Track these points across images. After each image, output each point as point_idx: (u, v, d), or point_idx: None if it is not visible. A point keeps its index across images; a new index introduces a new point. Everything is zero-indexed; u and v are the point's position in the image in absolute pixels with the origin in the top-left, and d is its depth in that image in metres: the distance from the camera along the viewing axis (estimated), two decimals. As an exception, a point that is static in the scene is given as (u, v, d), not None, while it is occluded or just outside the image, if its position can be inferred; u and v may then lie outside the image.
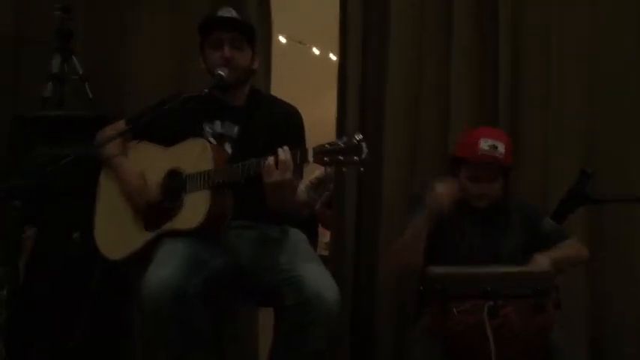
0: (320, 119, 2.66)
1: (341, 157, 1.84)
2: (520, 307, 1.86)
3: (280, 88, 2.86)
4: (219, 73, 2.18)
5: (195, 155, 2.15)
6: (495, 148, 2.21)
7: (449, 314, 1.87)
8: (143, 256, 2.15)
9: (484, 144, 2.21)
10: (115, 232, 2.28)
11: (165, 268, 1.96)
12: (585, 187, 1.84)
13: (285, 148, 1.93)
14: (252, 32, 2.27)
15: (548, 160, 2.68)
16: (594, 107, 2.69)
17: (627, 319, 2.60)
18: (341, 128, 2.88)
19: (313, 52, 4.66)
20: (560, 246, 2.18)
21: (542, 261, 2.07)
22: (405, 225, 2.28)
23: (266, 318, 2.80)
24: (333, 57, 4.33)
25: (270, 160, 1.92)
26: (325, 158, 1.86)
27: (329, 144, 1.87)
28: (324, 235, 3.46)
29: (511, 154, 2.28)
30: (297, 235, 2.24)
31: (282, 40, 4.23)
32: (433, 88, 2.82)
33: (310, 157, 1.89)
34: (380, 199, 2.80)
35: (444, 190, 2.16)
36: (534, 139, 2.71)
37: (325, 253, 3.10)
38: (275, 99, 2.38)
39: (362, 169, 1.85)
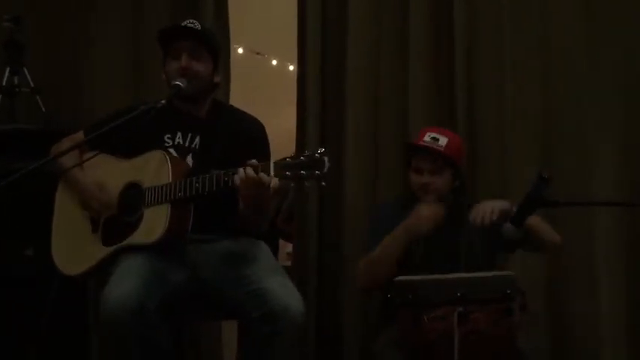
0: (279, 130, 2.65)
1: (303, 172, 1.82)
2: (489, 311, 1.87)
3: (238, 99, 2.85)
4: (176, 83, 2.14)
5: (154, 168, 2.11)
6: (437, 140, 2.29)
7: (419, 323, 1.87)
8: (101, 271, 2.11)
9: (427, 136, 2.31)
10: (73, 247, 2.23)
11: (124, 283, 1.93)
12: (542, 191, 1.88)
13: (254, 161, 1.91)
14: (212, 43, 2.25)
15: (505, 161, 2.72)
16: (550, 106, 2.74)
17: (588, 321, 2.64)
18: (301, 139, 2.88)
19: (271, 63, 4.66)
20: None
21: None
22: (366, 236, 2.28)
23: (229, 331, 2.78)
24: (291, 67, 4.34)
25: (250, 171, 1.89)
26: (287, 172, 1.85)
27: (290, 158, 1.86)
28: (286, 246, 3.44)
29: (458, 150, 2.33)
30: (259, 247, 2.23)
31: (240, 50, 4.22)
32: (393, 95, 2.84)
33: (271, 172, 1.87)
34: (342, 209, 2.80)
35: (428, 214, 2.17)
36: (491, 140, 2.75)
37: (287, 263, 3.09)
38: (237, 110, 2.35)
39: (324, 183, 1.84)
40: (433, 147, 2.27)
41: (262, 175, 1.87)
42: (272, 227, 3.38)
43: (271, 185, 1.88)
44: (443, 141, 2.28)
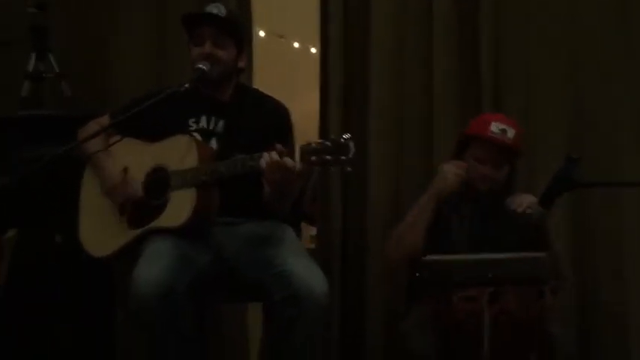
0: (301, 113, 2.65)
1: (328, 157, 1.82)
2: (520, 293, 1.86)
3: (260, 83, 2.84)
4: (200, 67, 2.15)
5: (180, 151, 2.12)
6: (505, 132, 2.22)
7: (449, 302, 1.86)
8: (128, 254, 2.13)
9: (495, 127, 2.23)
10: (100, 230, 2.25)
11: (153, 267, 1.94)
12: (571, 172, 1.85)
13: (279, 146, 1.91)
14: (236, 29, 2.24)
15: (533, 150, 2.68)
16: (579, 95, 2.70)
17: (614, 309, 2.62)
18: (324, 124, 2.87)
19: (293, 46, 4.64)
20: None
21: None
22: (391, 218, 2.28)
23: (253, 315, 2.80)
24: (313, 50, 4.32)
25: (275, 155, 1.89)
26: (312, 157, 1.85)
27: (315, 143, 1.86)
28: (310, 229, 3.45)
29: (521, 142, 2.29)
30: (284, 230, 2.23)
31: (262, 34, 4.20)
32: (416, 81, 2.81)
33: (297, 156, 1.87)
34: (366, 193, 2.79)
35: (452, 169, 2.15)
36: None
37: (311, 246, 3.09)
38: (262, 94, 2.35)
39: (349, 168, 1.84)
40: (503, 140, 2.22)
41: (287, 159, 1.87)
42: (295, 210, 3.39)
43: (296, 169, 1.88)
44: (511, 133, 2.23)
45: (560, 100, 2.70)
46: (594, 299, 2.64)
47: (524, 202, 2.12)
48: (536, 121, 2.71)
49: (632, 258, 2.61)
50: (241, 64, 2.28)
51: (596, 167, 2.55)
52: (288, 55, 4.54)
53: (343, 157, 1.81)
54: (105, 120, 2.29)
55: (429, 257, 1.96)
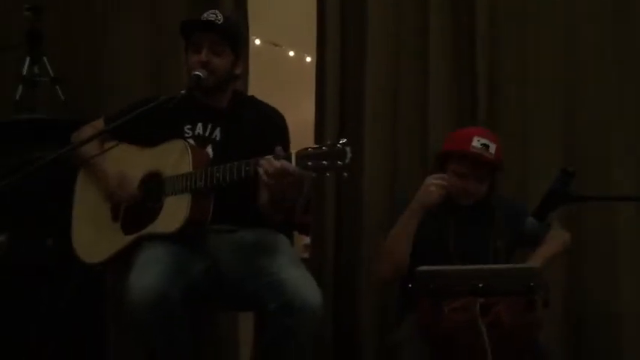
0: (296, 121, 2.64)
1: (325, 162, 1.81)
2: (512, 304, 1.86)
3: (255, 91, 2.83)
4: (196, 74, 2.14)
5: (175, 157, 2.11)
6: (487, 147, 2.21)
7: (439, 313, 1.86)
8: (121, 260, 2.12)
9: (477, 142, 2.21)
10: (93, 235, 2.24)
11: (148, 273, 1.93)
12: (566, 186, 1.85)
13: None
14: (233, 35, 2.23)
15: (528, 160, 2.70)
16: (572, 106, 2.71)
17: (605, 320, 2.62)
18: (320, 131, 2.87)
19: (288, 54, 4.65)
20: (547, 242, 2.19)
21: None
22: (389, 224, 2.27)
23: (245, 323, 2.78)
24: (308, 59, 4.32)
25: (273, 160, 1.88)
26: (309, 163, 1.84)
27: (312, 148, 1.85)
28: (303, 238, 3.44)
29: (501, 155, 2.28)
30: (279, 239, 2.22)
31: (257, 42, 4.21)
32: (412, 88, 2.82)
33: (293, 162, 1.86)
34: (360, 201, 2.79)
35: (435, 182, 2.16)
36: (513, 138, 2.71)
37: (305, 255, 3.08)
38: (258, 101, 2.35)
39: (345, 174, 1.83)
40: (485, 156, 2.20)
41: (285, 163, 1.86)
42: (288, 219, 3.37)
43: (294, 174, 1.87)
44: (492, 148, 2.21)
45: (555, 113, 2.72)
46: (587, 309, 2.64)
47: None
48: (531, 136, 2.71)
49: (625, 269, 2.61)
50: (238, 70, 2.27)
51: (588, 178, 2.55)
52: (283, 64, 4.55)
53: (340, 163, 1.80)
54: (99, 124, 2.28)
55: (422, 268, 1.95)
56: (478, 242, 2.23)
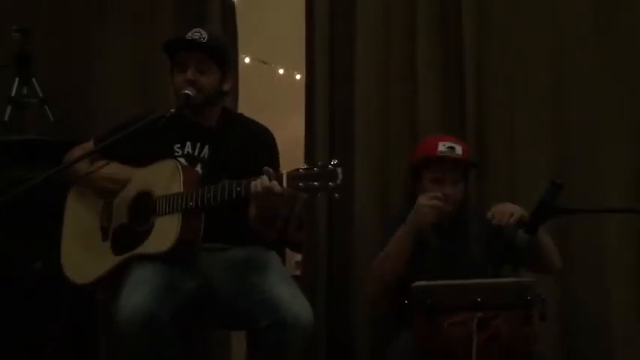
0: (286, 139, 2.65)
1: (316, 183, 1.82)
2: (510, 317, 1.85)
3: (245, 109, 2.84)
4: (185, 93, 2.14)
5: (165, 177, 2.11)
6: (453, 149, 2.25)
7: (437, 328, 1.85)
8: (112, 280, 2.11)
9: (442, 146, 2.25)
10: (83, 256, 2.23)
11: (138, 294, 1.93)
12: (555, 198, 1.87)
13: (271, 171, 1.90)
14: (220, 53, 2.24)
15: (515, 171, 2.71)
16: (562, 116, 2.73)
17: (595, 331, 2.63)
18: (310, 148, 2.87)
19: (278, 72, 4.67)
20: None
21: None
22: (379, 243, 2.27)
23: (237, 342, 2.76)
24: (297, 76, 4.34)
25: (265, 180, 1.88)
26: (300, 184, 1.84)
27: (303, 169, 1.85)
28: (295, 256, 3.43)
29: (469, 156, 2.31)
30: (270, 256, 2.22)
31: (247, 60, 4.23)
32: (401, 104, 2.83)
33: (284, 183, 1.86)
34: (351, 219, 2.79)
35: (430, 202, 2.16)
36: (502, 149, 2.74)
37: (296, 273, 3.08)
38: (247, 119, 2.35)
39: (337, 195, 1.83)
40: (453, 156, 2.24)
41: (275, 183, 1.86)
42: (280, 237, 3.37)
43: (284, 195, 1.87)
44: (459, 149, 2.26)
45: (543, 122, 2.73)
46: (577, 319, 2.65)
47: (505, 211, 2.13)
48: (519, 144, 2.72)
49: (614, 280, 2.61)
50: (226, 87, 2.26)
51: (577, 188, 2.56)
52: (272, 82, 4.57)
53: (331, 184, 1.81)
54: (89, 146, 2.27)
55: (418, 283, 1.95)
56: (458, 256, 2.23)
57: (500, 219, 2.12)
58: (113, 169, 2.19)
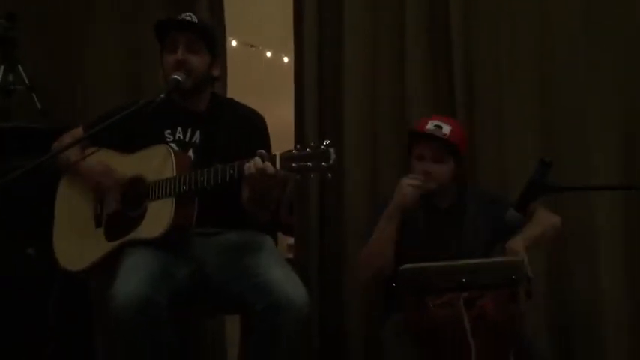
0: (275, 122, 2.65)
1: (309, 164, 1.83)
2: (495, 296, 1.88)
3: (233, 92, 2.84)
4: (175, 77, 2.13)
5: (158, 162, 2.11)
6: (440, 128, 2.27)
7: (425, 309, 1.88)
8: (105, 267, 2.11)
9: (430, 124, 2.29)
10: (76, 243, 2.23)
11: (132, 280, 1.92)
12: (544, 177, 1.88)
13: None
14: (209, 35, 2.24)
15: (505, 150, 2.72)
16: (549, 96, 2.74)
17: (586, 307, 2.66)
18: (299, 131, 2.87)
19: (265, 55, 4.65)
20: (532, 224, 2.21)
21: (516, 247, 2.09)
22: (370, 226, 2.29)
23: (232, 326, 2.78)
24: (285, 59, 4.33)
25: (258, 161, 1.88)
26: (293, 165, 1.85)
27: (296, 150, 1.86)
28: (287, 238, 3.44)
29: (461, 139, 2.32)
30: (263, 239, 2.23)
31: (234, 43, 4.21)
32: (390, 87, 2.83)
33: (277, 164, 1.87)
34: (342, 200, 2.80)
35: (408, 182, 2.18)
36: (490, 129, 2.75)
37: (289, 255, 3.09)
38: (237, 103, 2.35)
39: (330, 175, 1.84)
40: (436, 134, 2.27)
41: (268, 165, 1.87)
42: (272, 220, 3.39)
43: (278, 176, 1.88)
44: (446, 129, 2.28)
45: (531, 102, 2.74)
46: (567, 297, 2.68)
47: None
48: (507, 123, 2.74)
49: (607, 257, 2.65)
50: (215, 72, 2.27)
51: (566, 167, 2.58)
52: (260, 65, 4.55)
53: (324, 164, 1.82)
54: (79, 132, 2.26)
55: (405, 266, 1.97)
56: (453, 244, 2.25)
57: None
58: (101, 159, 2.17)
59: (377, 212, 2.33)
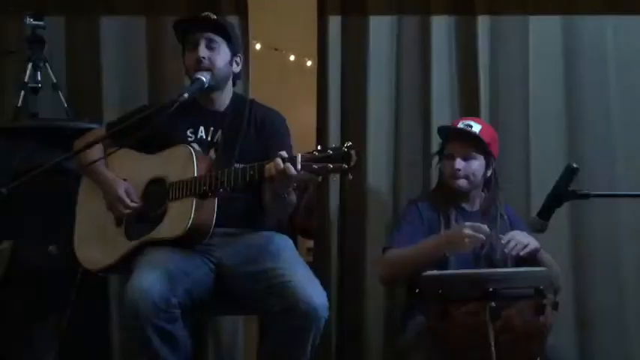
0: (297, 125, 2.66)
1: (330, 165, 1.83)
2: (521, 307, 1.84)
3: (256, 95, 2.83)
4: (199, 77, 2.15)
5: (179, 162, 2.12)
6: (470, 126, 2.30)
7: (449, 317, 1.85)
8: (125, 266, 2.12)
9: (461, 123, 2.33)
10: (96, 242, 2.24)
11: (149, 277, 1.93)
12: (570, 183, 1.85)
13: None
14: (229, 32, 2.25)
15: (530, 158, 2.71)
16: (574, 104, 2.72)
17: (609, 318, 2.62)
18: (322, 135, 2.87)
19: (289, 59, 4.66)
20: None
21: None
22: (393, 226, 2.27)
23: (249, 326, 2.78)
24: (309, 63, 4.33)
25: (279, 162, 1.89)
26: (314, 166, 1.85)
27: (317, 151, 1.86)
28: (307, 241, 3.43)
29: (491, 137, 2.33)
30: (283, 241, 2.22)
31: (258, 46, 4.22)
32: (414, 88, 2.82)
33: (299, 164, 1.87)
34: (363, 203, 2.78)
35: (471, 235, 2.09)
36: (516, 135, 2.75)
37: (308, 259, 3.08)
38: (258, 104, 2.35)
39: (351, 176, 1.84)
40: (467, 131, 2.27)
41: (288, 166, 1.87)
42: (290, 223, 3.38)
43: (298, 177, 1.88)
44: (477, 128, 2.28)
45: (558, 111, 2.72)
46: (591, 305, 2.64)
47: (520, 242, 2.15)
48: (534, 132, 2.72)
49: (628, 263, 2.60)
50: (236, 68, 2.28)
51: (592, 175, 2.56)
52: (284, 68, 4.57)
53: (345, 166, 1.81)
54: (101, 132, 2.28)
55: (428, 273, 1.94)
56: (486, 249, 2.22)
57: (514, 248, 2.13)
58: (122, 159, 2.18)
59: (409, 210, 2.33)
